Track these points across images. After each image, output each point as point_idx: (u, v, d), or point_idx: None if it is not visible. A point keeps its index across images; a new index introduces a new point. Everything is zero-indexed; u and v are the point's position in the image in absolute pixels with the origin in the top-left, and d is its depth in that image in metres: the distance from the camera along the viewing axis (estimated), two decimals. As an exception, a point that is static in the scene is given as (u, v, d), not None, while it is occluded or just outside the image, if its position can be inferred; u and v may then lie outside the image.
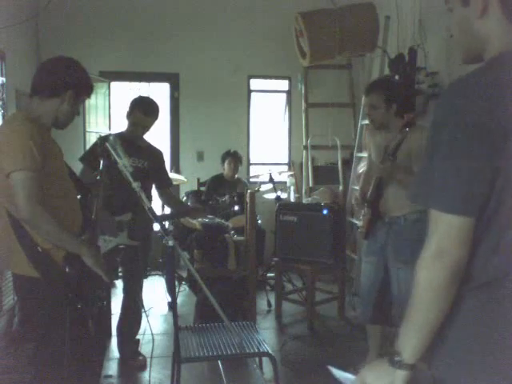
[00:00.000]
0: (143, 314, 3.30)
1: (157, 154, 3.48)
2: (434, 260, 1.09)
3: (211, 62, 5.95)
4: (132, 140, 3.27)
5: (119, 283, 4.22)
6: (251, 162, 6.28)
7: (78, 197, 2.30)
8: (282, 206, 4.49)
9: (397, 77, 4.29)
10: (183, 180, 5.38)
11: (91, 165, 3.03)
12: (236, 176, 5.33)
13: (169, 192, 3.58)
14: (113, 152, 2.29)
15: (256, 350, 2.43)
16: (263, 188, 5.26)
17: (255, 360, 3.12)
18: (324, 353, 3.70)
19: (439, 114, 1.12)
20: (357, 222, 4.95)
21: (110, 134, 2.88)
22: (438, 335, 1.14)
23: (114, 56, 5.73)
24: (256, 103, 6.31)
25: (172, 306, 3.46)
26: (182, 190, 5.73)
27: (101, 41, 5.70)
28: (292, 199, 5.88)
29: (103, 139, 2.45)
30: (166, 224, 4.46)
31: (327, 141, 5.66)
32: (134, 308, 3.37)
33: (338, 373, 1.31)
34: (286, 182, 5.97)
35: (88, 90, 2.24)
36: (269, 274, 5.12)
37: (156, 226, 2.86)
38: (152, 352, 2.85)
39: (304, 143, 5.89)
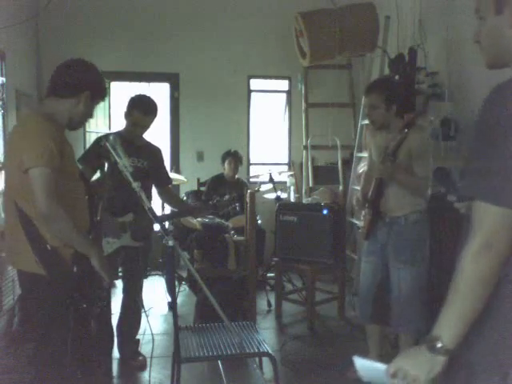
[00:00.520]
0: (143, 314, 3.29)
1: (156, 153, 3.45)
2: (482, 253, 1.14)
3: (211, 62, 5.95)
4: (131, 140, 3.24)
5: (119, 283, 4.21)
6: (251, 161, 6.28)
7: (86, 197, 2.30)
8: (282, 206, 4.49)
9: (397, 77, 4.29)
10: (183, 180, 5.38)
11: (91, 165, 3.03)
12: (236, 176, 5.33)
13: (169, 190, 3.55)
14: (113, 152, 2.29)
15: (256, 350, 2.43)
16: (263, 188, 5.26)
17: (255, 360, 3.12)
18: (324, 353, 3.70)
19: (490, 114, 1.17)
20: (357, 222, 4.95)
21: (109, 134, 2.85)
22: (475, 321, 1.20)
23: (114, 56, 5.72)
24: (256, 103, 6.30)
25: (172, 305, 3.46)
26: (182, 190, 5.73)
27: (101, 41, 5.70)
28: (292, 199, 5.87)
29: (104, 139, 2.45)
30: (166, 224, 4.45)
31: (327, 141, 5.65)
32: (133, 308, 3.37)
33: (364, 363, 1.30)
34: (286, 182, 5.97)
35: (103, 93, 2.31)
36: (269, 274, 5.12)
37: (156, 226, 2.85)
38: (152, 352, 2.84)
39: (304, 143, 5.89)
